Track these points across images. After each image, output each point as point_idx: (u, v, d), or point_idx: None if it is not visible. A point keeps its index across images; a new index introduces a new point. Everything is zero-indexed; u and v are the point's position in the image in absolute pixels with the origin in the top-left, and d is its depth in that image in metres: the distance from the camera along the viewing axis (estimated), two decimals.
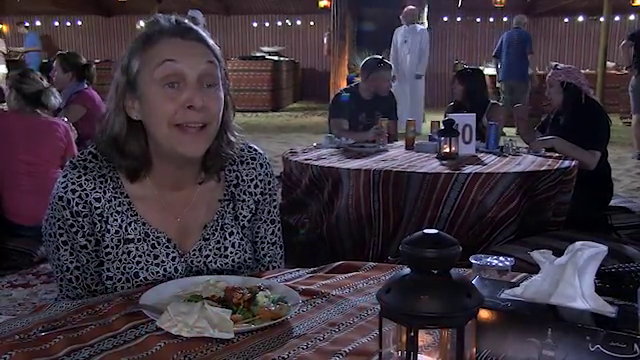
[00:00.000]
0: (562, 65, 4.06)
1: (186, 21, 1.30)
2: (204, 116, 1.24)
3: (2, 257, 3.58)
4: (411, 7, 9.58)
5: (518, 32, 9.65)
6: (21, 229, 3.65)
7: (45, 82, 3.90)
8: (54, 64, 4.99)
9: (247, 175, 1.44)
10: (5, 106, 4.03)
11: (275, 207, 1.50)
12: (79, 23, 16.43)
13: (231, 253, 1.40)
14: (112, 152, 1.30)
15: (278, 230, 1.52)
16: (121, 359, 0.97)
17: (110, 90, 1.30)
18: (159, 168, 1.33)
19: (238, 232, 1.42)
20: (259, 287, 1.17)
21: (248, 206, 1.44)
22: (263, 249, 1.50)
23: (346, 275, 1.36)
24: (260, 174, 1.45)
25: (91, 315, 1.12)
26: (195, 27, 1.29)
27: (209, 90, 1.25)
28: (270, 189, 1.48)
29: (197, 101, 1.22)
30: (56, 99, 3.90)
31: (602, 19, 10.64)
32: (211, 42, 1.29)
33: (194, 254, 1.37)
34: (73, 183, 1.29)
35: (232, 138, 1.38)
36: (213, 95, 1.25)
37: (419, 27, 9.60)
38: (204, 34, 1.30)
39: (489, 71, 10.69)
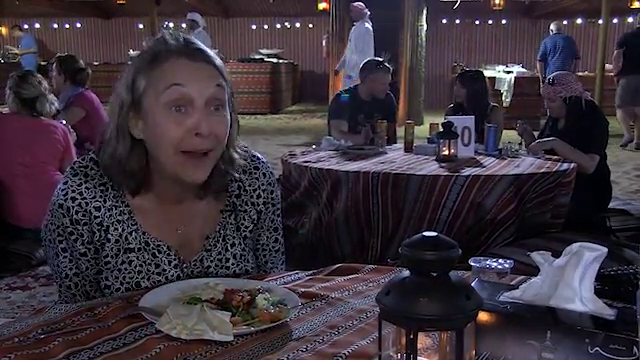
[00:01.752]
0: (554, 74, 4.01)
1: (194, 40, 1.26)
2: (210, 142, 1.22)
3: (0, 259, 3.58)
4: (355, 4, 9.24)
5: (563, 37, 10.09)
6: (20, 231, 3.65)
7: (45, 85, 3.88)
8: (53, 66, 4.99)
9: (250, 185, 1.42)
10: (6, 108, 4.02)
11: (278, 215, 1.49)
12: (78, 25, 16.43)
13: (232, 265, 1.39)
14: (115, 172, 1.27)
15: (281, 237, 1.51)
16: None
17: (112, 105, 1.27)
18: (160, 184, 1.32)
19: (240, 243, 1.41)
20: (258, 290, 1.17)
21: (250, 216, 1.42)
22: (265, 256, 1.49)
23: (345, 277, 1.36)
24: (263, 184, 1.44)
25: (90, 317, 1.12)
26: (203, 47, 1.26)
27: (216, 113, 1.23)
28: (273, 198, 1.46)
29: (204, 128, 1.19)
30: (52, 105, 3.87)
31: (601, 21, 10.65)
32: (219, 62, 1.27)
33: (195, 265, 1.36)
34: (73, 191, 1.28)
35: (235, 156, 1.36)
36: (220, 119, 1.24)
37: (363, 25, 9.11)
38: (211, 54, 1.27)
39: (488, 73, 10.74)
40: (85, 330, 1.06)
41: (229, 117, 1.27)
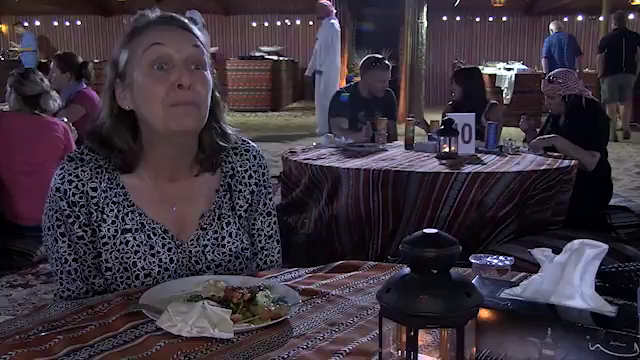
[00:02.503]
0: (554, 72, 4.02)
1: (171, 13, 1.34)
2: (193, 96, 1.26)
3: (2, 257, 3.58)
4: (322, 1, 9.21)
5: (566, 35, 10.42)
6: (21, 229, 3.65)
7: (46, 83, 3.87)
8: (51, 65, 4.98)
9: (241, 166, 1.46)
10: (6, 106, 4.02)
11: (270, 199, 1.52)
12: (78, 23, 16.42)
13: (228, 242, 1.41)
14: (101, 144, 1.32)
15: (274, 223, 1.54)
16: (121, 359, 0.97)
17: (103, 88, 1.35)
18: (153, 158, 1.35)
19: (235, 222, 1.43)
20: (259, 287, 1.18)
21: (244, 196, 1.46)
22: (260, 242, 1.51)
23: (346, 275, 1.36)
24: (254, 165, 1.48)
25: (91, 315, 1.12)
26: (180, 17, 1.34)
27: (196, 71, 1.28)
28: (264, 180, 1.50)
29: (185, 80, 1.24)
30: (55, 102, 3.87)
31: (601, 18, 10.65)
32: (196, 30, 1.34)
33: (192, 244, 1.38)
34: (70, 174, 1.31)
35: (228, 130, 1.41)
36: (201, 76, 1.29)
37: (329, 22, 9.13)
38: (188, 23, 1.34)
39: (488, 70, 10.76)
40: (85, 328, 1.06)
41: (210, 78, 1.32)
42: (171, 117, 1.26)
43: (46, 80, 3.91)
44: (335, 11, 9.31)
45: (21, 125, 3.76)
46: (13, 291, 3.31)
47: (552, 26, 10.65)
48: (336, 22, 9.21)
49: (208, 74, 1.31)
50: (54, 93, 3.91)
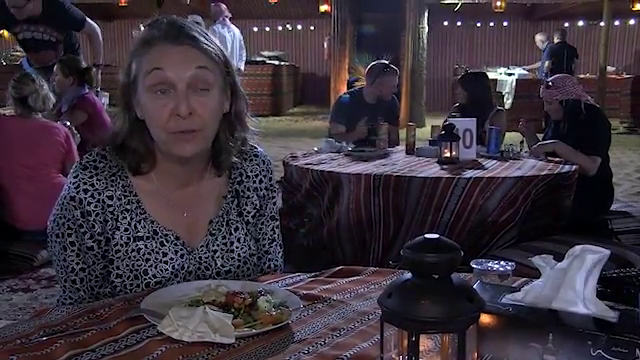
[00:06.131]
0: (553, 77, 4.03)
1: (183, 22, 1.30)
2: (193, 122, 1.25)
3: (2, 261, 3.58)
4: (214, 4, 9.09)
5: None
6: (21, 233, 3.65)
7: (40, 83, 3.85)
8: (54, 69, 4.99)
9: (252, 171, 1.47)
10: (8, 110, 4.02)
11: (274, 204, 1.53)
12: None
13: (237, 248, 1.42)
14: (119, 150, 1.33)
15: (277, 227, 1.55)
16: None
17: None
18: (164, 164, 1.36)
19: (242, 228, 1.44)
20: (260, 292, 1.18)
21: (252, 202, 1.46)
22: (264, 246, 1.52)
23: (347, 280, 1.36)
24: (263, 170, 1.49)
25: (92, 320, 1.12)
26: (189, 29, 1.28)
27: (201, 94, 1.26)
28: (271, 185, 1.51)
29: (183, 109, 1.22)
30: (48, 101, 3.84)
31: (602, 23, 10.68)
32: (206, 43, 1.28)
33: (202, 250, 1.39)
34: (85, 183, 1.31)
35: (244, 134, 1.41)
36: (205, 100, 1.26)
37: (215, 27, 8.99)
38: (198, 35, 1.28)
39: (489, 75, 10.78)
40: (87, 332, 1.06)
41: (217, 99, 1.29)
42: (172, 143, 1.27)
43: (44, 83, 3.89)
44: (228, 15, 9.04)
45: (22, 129, 3.76)
46: (14, 295, 3.31)
47: (541, 37, 11.06)
48: (219, 26, 8.94)
49: (214, 95, 1.28)
50: (45, 92, 3.85)
